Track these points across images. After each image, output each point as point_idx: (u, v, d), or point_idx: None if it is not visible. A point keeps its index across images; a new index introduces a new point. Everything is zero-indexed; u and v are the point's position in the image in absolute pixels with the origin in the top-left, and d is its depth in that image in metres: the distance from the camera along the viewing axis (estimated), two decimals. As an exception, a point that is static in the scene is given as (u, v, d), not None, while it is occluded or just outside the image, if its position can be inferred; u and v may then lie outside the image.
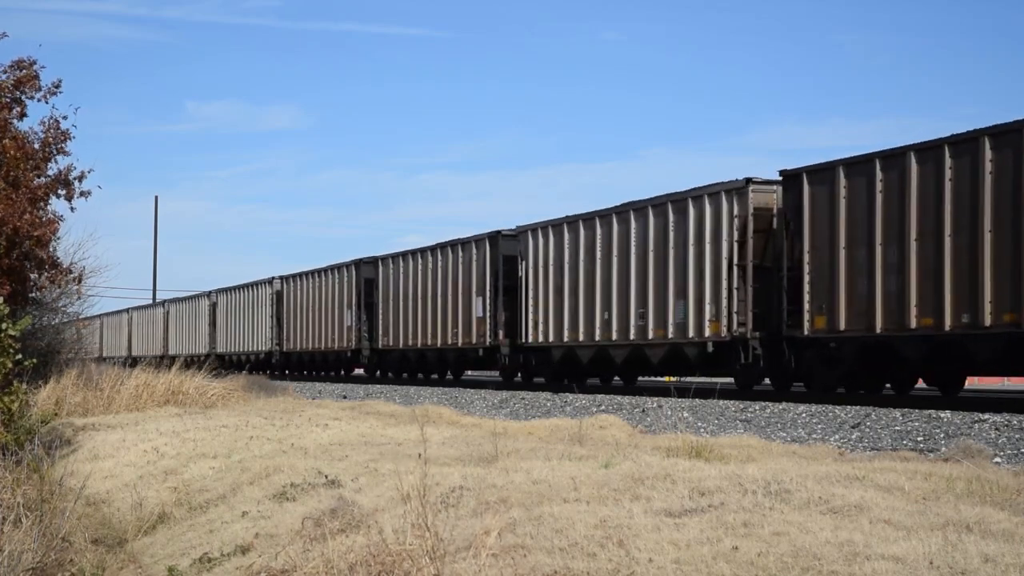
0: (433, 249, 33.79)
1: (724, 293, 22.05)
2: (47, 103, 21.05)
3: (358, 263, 38.60)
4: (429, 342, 33.75)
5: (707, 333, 22.46)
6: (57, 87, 21.03)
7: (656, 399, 20.68)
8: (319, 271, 41.58)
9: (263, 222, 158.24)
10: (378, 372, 38.42)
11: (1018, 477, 8.36)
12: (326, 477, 10.10)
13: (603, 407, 19.40)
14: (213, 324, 52.22)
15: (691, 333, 22.84)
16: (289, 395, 23.93)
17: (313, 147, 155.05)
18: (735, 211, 21.96)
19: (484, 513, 7.54)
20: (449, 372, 36.03)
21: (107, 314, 69.26)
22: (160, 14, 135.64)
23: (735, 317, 21.83)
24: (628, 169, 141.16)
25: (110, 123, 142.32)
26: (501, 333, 30.00)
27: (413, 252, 35.14)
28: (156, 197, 71.95)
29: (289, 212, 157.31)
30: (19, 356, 13.46)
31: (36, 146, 20.90)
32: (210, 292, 53.11)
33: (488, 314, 30.40)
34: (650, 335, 24.10)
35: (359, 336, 38.16)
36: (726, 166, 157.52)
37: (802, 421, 16.03)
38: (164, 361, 50.95)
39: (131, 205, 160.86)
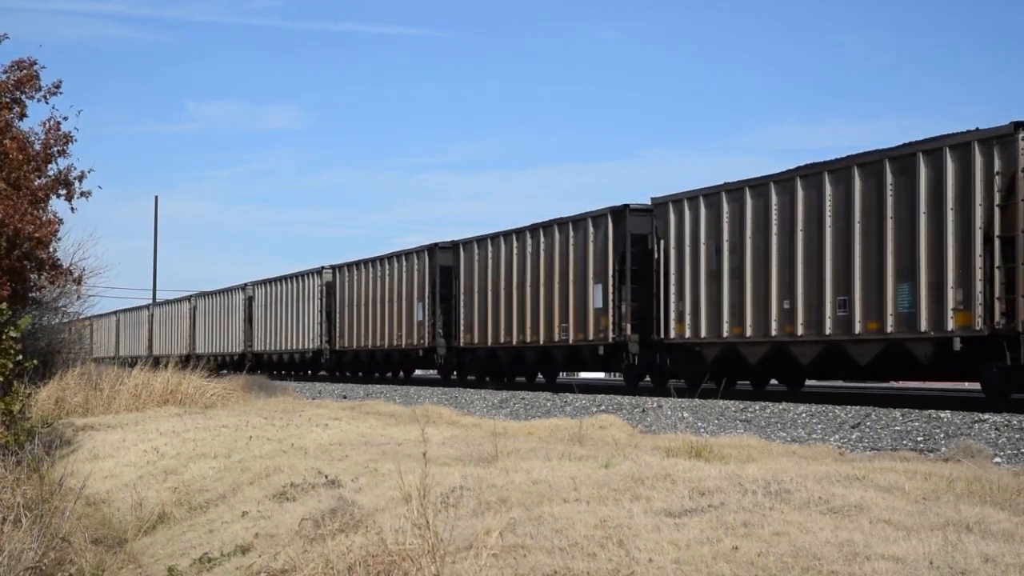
0: (534, 229, 28.26)
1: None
2: (47, 103, 21.05)
3: (432, 249, 33.49)
4: (528, 338, 28.16)
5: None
6: (57, 87, 21.03)
7: (656, 399, 20.68)
8: (382, 258, 36.68)
9: (263, 222, 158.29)
10: (455, 373, 33.41)
11: (1018, 477, 8.36)
12: (326, 477, 10.10)
13: (603, 407, 19.39)
14: (249, 320, 47.93)
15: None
16: (289, 395, 23.94)
17: (313, 147, 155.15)
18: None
19: (484, 513, 7.54)
20: (561, 373, 31.87)
21: (125, 310, 66.73)
22: (161, 14, 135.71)
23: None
24: (628, 169, 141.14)
25: (111, 123, 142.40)
26: (629, 327, 24.75)
27: (507, 234, 29.61)
28: (156, 197, 71.86)
29: (289, 212, 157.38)
30: (20, 357, 13.47)
31: (37, 147, 20.89)
32: (245, 285, 48.77)
33: (611, 304, 25.15)
34: (800, 330, 20.24)
35: (432, 333, 33.12)
36: (727, 166, 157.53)
37: (802, 421, 16.03)
38: (191, 362, 49.83)
39: (131, 205, 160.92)
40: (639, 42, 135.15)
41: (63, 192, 21.35)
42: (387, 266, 36.21)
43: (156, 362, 49.62)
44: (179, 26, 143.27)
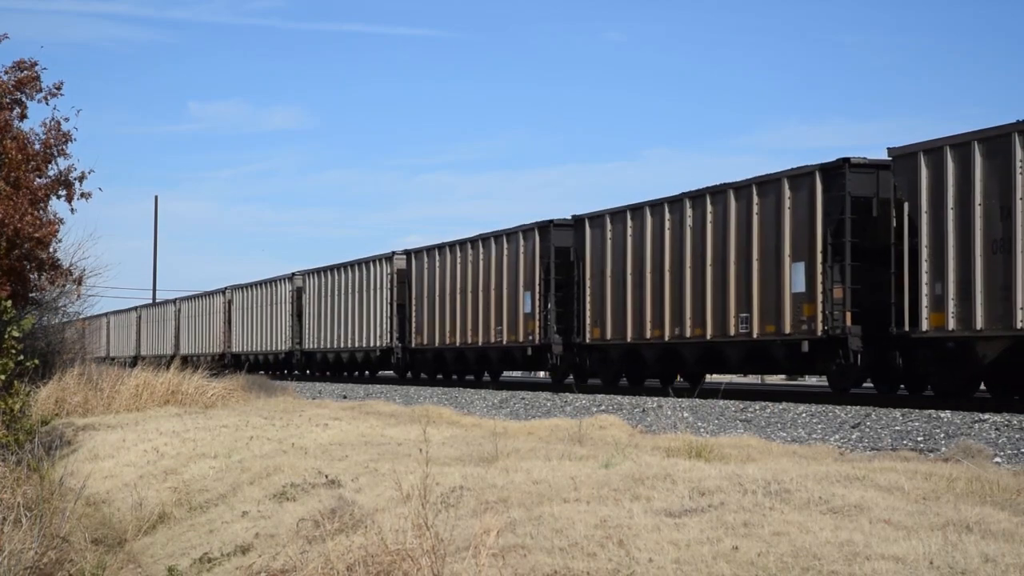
0: (696, 197, 22.88)
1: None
2: (48, 104, 21.05)
3: (545, 227, 27.97)
4: (688, 333, 22.80)
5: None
6: (59, 88, 21.02)
7: (656, 399, 20.69)
8: (474, 240, 31.28)
9: (264, 222, 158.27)
10: (568, 376, 28.08)
11: (1018, 477, 8.37)
12: (326, 477, 10.10)
13: (603, 407, 19.39)
14: (298, 314, 43.36)
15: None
16: (289, 395, 23.94)
17: (315, 148, 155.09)
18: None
19: (484, 513, 7.54)
20: (756, 376, 29.82)
21: (147, 306, 64.12)
22: (163, 15, 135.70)
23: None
24: (630, 170, 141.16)
25: (112, 123, 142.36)
26: (848, 317, 19.42)
27: (653, 204, 24.02)
28: (156, 197, 71.86)
29: (291, 212, 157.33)
30: (21, 357, 13.48)
31: (37, 147, 20.90)
32: (293, 274, 44.36)
33: (820, 287, 19.85)
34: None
35: (544, 327, 27.87)
36: (727, 166, 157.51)
37: (802, 421, 16.03)
38: (226, 361, 48.02)
39: (133, 205, 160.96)
40: (641, 42, 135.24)
41: (63, 193, 21.35)
42: (483, 248, 30.81)
43: (184, 361, 49.11)
44: (181, 26, 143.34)
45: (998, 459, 11.17)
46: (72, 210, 21.75)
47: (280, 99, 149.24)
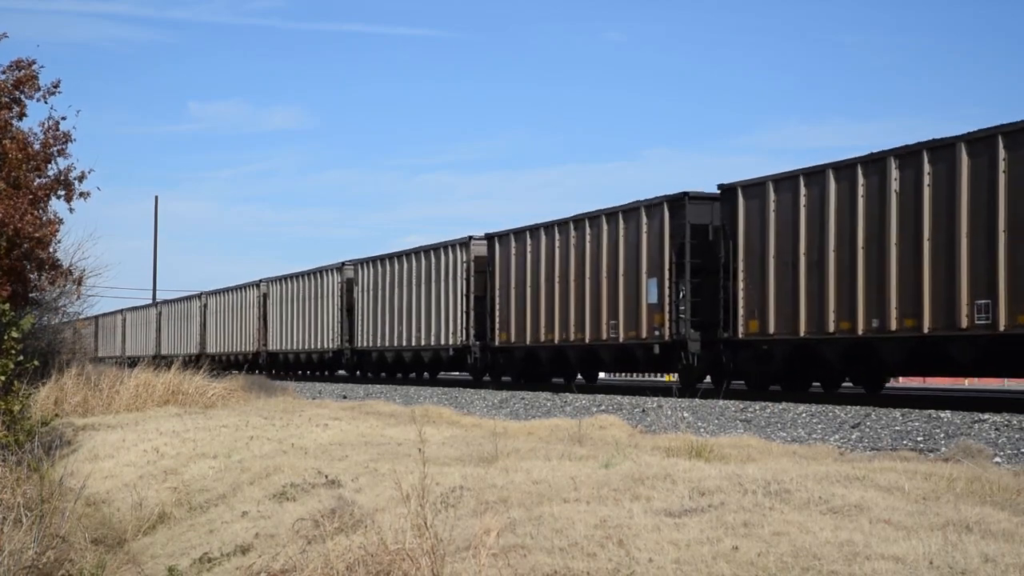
0: (905, 158, 18.54)
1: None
2: (46, 103, 21.06)
3: (678, 201, 23.33)
4: (904, 324, 18.32)
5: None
6: (56, 87, 21.05)
7: (656, 399, 20.69)
8: (578, 219, 26.47)
9: (264, 222, 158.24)
10: (704, 378, 23.97)
11: (1018, 477, 8.36)
12: (326, 477, 10.10)
13: (603, 407, 19.40)
14: (349, 310, 38.74)
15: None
16: (289, 395, 23.94)
17: (315, 147, 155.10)
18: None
19: (484, 513, 7.54)
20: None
21: (168, 301, 59.31)
22: (164, 15, 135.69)
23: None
24: (631, 170, 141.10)
25: (112, 123, 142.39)
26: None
27: (839, 166, 19.78)
28: (156, 197, 71.81)
29: (291, 212, 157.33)
30: (20, 358, 13.48)
31: (36, 147, 20.91)
32: (343, 263, 39.43)
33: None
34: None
35: (675, 321, 23.19)
36: (728, 166, 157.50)
37: (802, 421, 16.03)
38: (261, 360, 44.92)
39: (133, 205, 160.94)
40: (641, 43, 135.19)
41: (62, 193, 21.37)
42: (590, 229, 25.97)
43: (213, 362, 47.06)
44: (181, 26, 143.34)
45: (998, 459, 11.17)
46: (71, 210, 21.79)
47: (280, 99, 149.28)
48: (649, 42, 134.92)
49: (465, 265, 31.30)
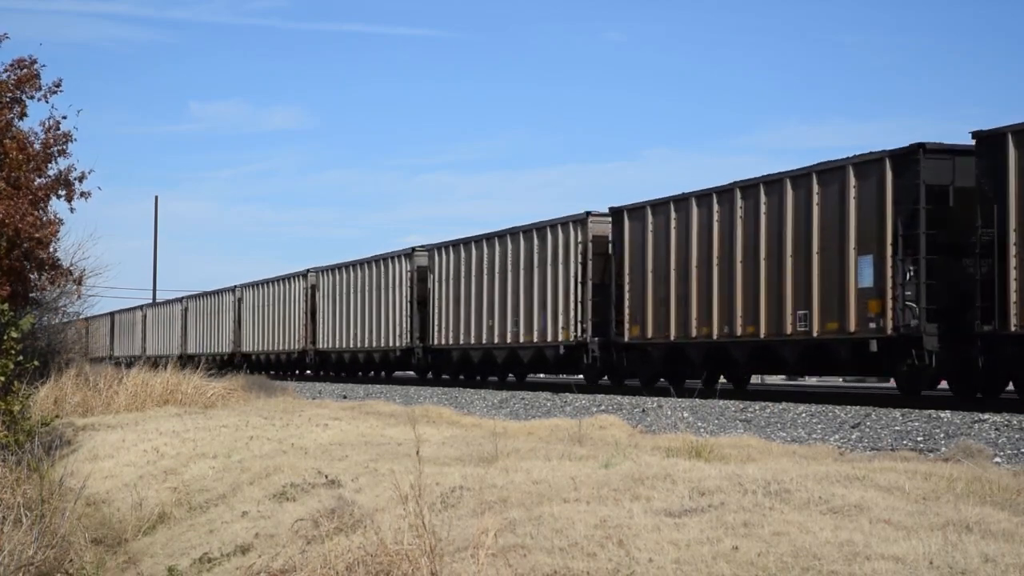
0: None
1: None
2: (47, 102, 21.06)
3: (905, 158, 18.33)
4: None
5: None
6: (57, 86, 21.05)
7: (656, 399, 20.69)
8: (746, 186, 21.55)
9: (264, 222, 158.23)
10: (920, 384, 19.08)
11: (1018, 477, 8.36)
12: (326, 477, 10.10)
13: (603, 407, 19.40)
14: (420, 302, 34.07)
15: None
16: (289, 395, 23.94)
17: (316, 147, 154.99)
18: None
19: (484, 513, 7.55)
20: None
21: (196, 296, 53.73)
22: (164, 15, 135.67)
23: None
24: (631, 170, 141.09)
25: (112, 123, 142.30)
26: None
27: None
28: (156, 197, 71.72)
29: (291, 212, 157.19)
30: (20, 358, 13.48)
31: (37, 147, 20.92)
32: (413, 249, 34.74)
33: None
34: None
35: (901, 309, 18.18)
36: (728, 166, 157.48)
37: (802, 421, 16.03)
38: (308, 360, 41.05)
39: (133, 205, 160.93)
40: (641, 43, 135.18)
41: (63, 192, 21.37)
42: (766, 196, 20.99)
43: (250, 362, 44.80)
44: (182, 26, 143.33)
45: (998, 459, 11.17)
46: (72, 209, 21.79)
47: (280, 99, 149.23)
48: (649, 42, 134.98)
49: (580, 247, 26.15)
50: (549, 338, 27.08)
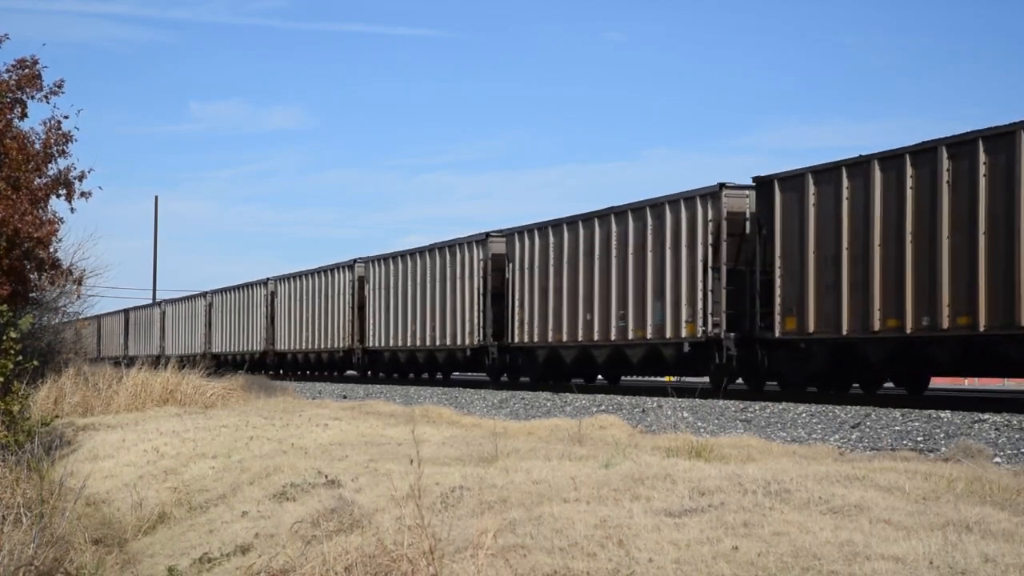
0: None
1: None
2: (48, 103, 21.06)
3: None
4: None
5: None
6: (59, 87, 21.04)
7: (656, 399, 20.68)
8: (937, 146, 17.72)
9: (264, 222, 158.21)
10: None
11: (1018, 477, 8.36)
12: (326, 477, 10.10)
13: (603, 407, 19.39)
14: (496, 295, 29.74)
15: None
16: (289, 395, 23.93)
17: (316, 147, 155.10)
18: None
19: (484, 513, 7.54)
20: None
21: (221, 290, 49.84)
22: (165, 15, 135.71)
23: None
24: (631, 170, 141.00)
25: (113, 123, 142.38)
26: None
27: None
28: (156, 197, 71.72)
29: (291, 212, 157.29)
30: (20, 358, 13.48)
31: (37, 147, 20.91)
32: (488, 235, 30.25)
33: None
34: None
35: None
36: (728, 166, 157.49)
37: (802, 421, 16.03)
38: (355, 360, 36.90)
39: (133, 205, 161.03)
40: (641, 43, 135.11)
41: (63, 192, 21.36)
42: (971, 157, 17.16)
43: (282, 361, 42.86)
44: (182, 26, 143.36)
45: (998, 459, 11.17)
46: (72, 209, 21.79)
47: (280, 99, 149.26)
48: (649, 42, 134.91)
49: (712, 225, 22.06)
50: (669, 334, 22.92)
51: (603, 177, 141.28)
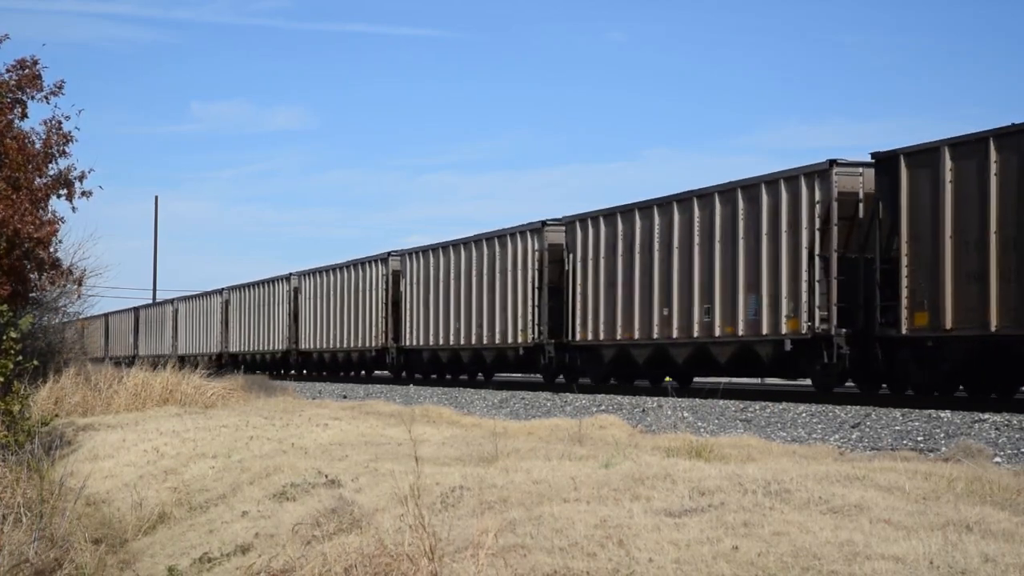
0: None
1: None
2: (48, 103, 21.05)
3: None
4: None
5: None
6: (60, 88, 21.02)
7: (656, 399, 20.68)
8: None
9: (266, 222, 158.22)
10: None
11: (1018, 477, 8.36)
12: (326, 477, 10.10)
13: (603, 407, 19.39)
14: (553, 290, 27.24)
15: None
16: (289, 395, 23.93)
17: (318, 148, 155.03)
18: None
19: (484, 513, 7.54)
20: None
21: (240, 286, 47.16)
22: (167, 15, 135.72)
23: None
24: (631, 169, 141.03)
25: (115, 123, 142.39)
26: None
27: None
28: (156, 197, 71.67)
29: (292, 213, 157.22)
30: (20, 358, 13.48)
31: (38, 147, 20.91)
32: (544, 223, 27.51)
33: None
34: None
35: None
36: (729, 166, 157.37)
37: (802, 421, 16.03)
38: (390, 358, 34.48)
39: (133, 205, 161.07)
40: (642, 43, 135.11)
41: (64, 192, 21.36)
42: None
43: (305, 360, 40.78)
44: (184, 26, 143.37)
45: (998, 459, 11.17)
46: (73, 209, 21.78)
47: (283, 99, 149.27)
48: (650, 42, 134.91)
49: (813, 208, 19.93)
50: (766, 330, 20.67)
51: (604, 177, 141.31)
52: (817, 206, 19.84)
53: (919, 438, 13.42)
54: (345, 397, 26.34)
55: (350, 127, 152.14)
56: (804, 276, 19.93)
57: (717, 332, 21.83)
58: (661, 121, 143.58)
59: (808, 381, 21.59)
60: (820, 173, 19.90)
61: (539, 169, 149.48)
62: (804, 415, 16.66)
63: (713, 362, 22.56)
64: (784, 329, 20.30)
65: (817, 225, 19.84)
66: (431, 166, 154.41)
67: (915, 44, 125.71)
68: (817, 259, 19.79)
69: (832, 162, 19.81)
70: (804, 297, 19.89)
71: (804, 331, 19.87)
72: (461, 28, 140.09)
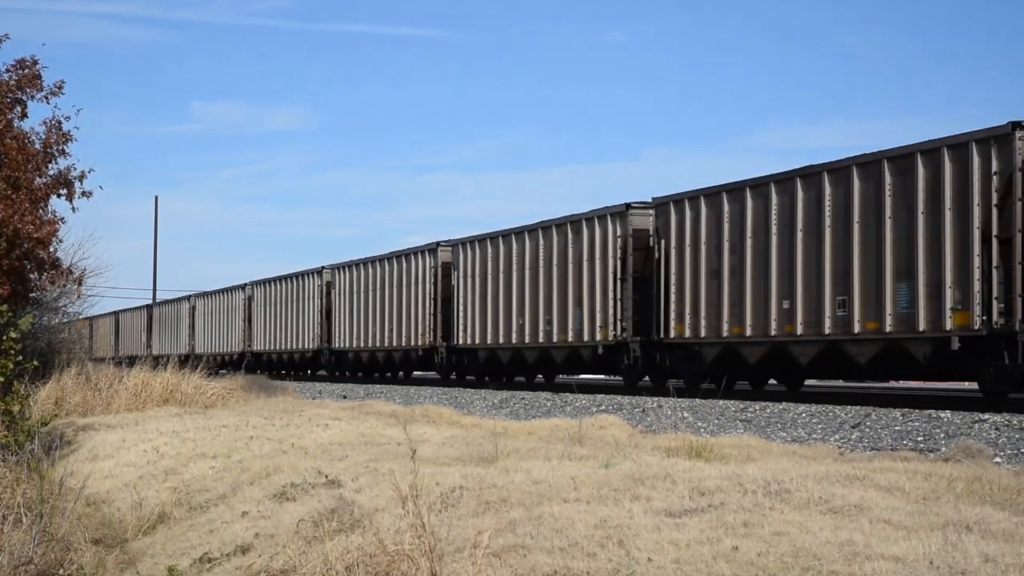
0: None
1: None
2: (48, 103, 21.03)
3: None
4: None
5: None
6: (60, 88, 21.00)
7: (656, 399, 20.68)
8: None
9: (266, 222, 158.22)
10: None
11: (1018, 477, 8.36)
12: (326, 477, 10.10)
13: (603, 407, 19.39)
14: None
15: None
16: (289, 395, 23.93)
17: (318, 148, 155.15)
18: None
19: (484, 513, 7.55)
20: None
21: (264, 281, 44.86)
22: (168, 15, 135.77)
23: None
24: (631, 169, 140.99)
25: (114, 123, 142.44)
26: None
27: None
28: (156, 197, 71.48)
29: (292, 213, 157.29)
30: (20, 358, 13.48)
31: (37, 146, 20.90)
32: (621, 209, 24.51)
33: None
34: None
35: None
36: (729, 166, 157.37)
37: (802, 421, 16.02)
38: (440, 357, 31.65)
39: (133, 205, 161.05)
40: (643, 43, 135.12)
41: (63, 192, 21.35)
42: None
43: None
44: (185, 27, 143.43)
45: (998, 459, 11.17)
46: (73, 209, 21.76)
47: (283, 99, 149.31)
48: (650, 42, 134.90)
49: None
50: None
51: (605, 177, 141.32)
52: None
53: (919, 438, 13.42)
54: (345, 397, 26.34)
55: (350, 127, 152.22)
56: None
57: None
58: (661, 121, 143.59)
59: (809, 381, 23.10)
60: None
61: (539, 169, 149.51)
62: (804, 415, 16.66)
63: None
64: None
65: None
66: (431, 166, 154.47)
67: (915, 44, 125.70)
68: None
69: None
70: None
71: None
72: (461, 28, 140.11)
